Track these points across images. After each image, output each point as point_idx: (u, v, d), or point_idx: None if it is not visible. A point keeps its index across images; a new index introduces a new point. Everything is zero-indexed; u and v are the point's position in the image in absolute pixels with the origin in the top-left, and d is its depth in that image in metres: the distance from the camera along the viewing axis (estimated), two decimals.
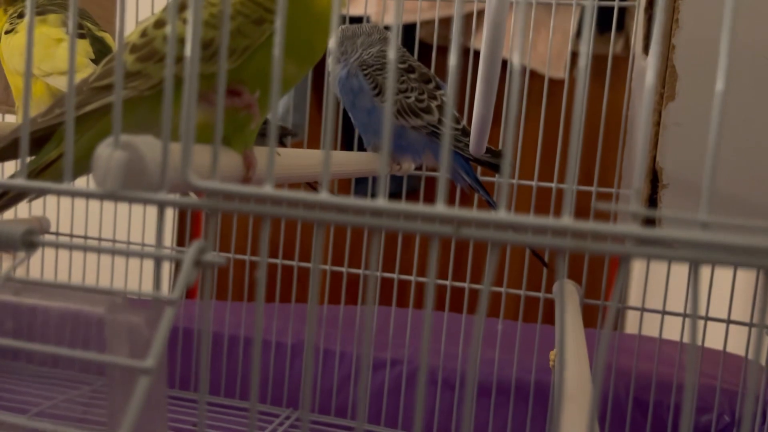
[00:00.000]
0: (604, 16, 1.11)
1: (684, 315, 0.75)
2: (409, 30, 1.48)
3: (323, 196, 0.26)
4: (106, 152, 0.28)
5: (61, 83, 0.54)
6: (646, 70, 0.68)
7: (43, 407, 0.63)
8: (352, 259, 0.87)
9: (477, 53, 0.73)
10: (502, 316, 0.82)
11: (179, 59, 0.34)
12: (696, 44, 0.57)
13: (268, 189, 0.26)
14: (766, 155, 0.55)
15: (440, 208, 0.25)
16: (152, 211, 0.91)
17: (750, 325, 0.74)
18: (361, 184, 1.34)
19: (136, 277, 0.92)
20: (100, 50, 0.57)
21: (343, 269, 0.86)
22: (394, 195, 1.48)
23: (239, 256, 0.89)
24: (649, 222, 0.52)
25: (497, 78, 0.43)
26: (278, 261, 0.87)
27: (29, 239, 0.28)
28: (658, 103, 0.59)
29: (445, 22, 1.57)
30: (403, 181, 0.87)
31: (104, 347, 0.27)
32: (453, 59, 0.27)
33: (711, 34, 0.59)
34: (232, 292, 0.92)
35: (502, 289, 0.82)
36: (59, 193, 0.29)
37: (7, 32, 0.59)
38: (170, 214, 1.55)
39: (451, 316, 0.84)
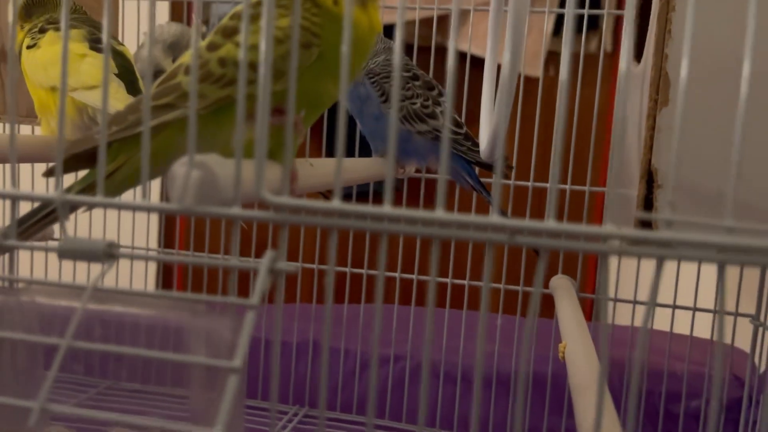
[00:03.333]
0: (577, 16, 1.15)
1: (673, 306, 0.79)
2: (390, 31, 1.52)
3: (386, 209, 0.29)
4: (182, 171, 0.30)
5: (87, 98, 0.56)
6: (637, 77, 0.72)
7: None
8: (355, 258, 0.90)
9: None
10: (501, 311, 0.86)
11: (232, 81, 0.37)
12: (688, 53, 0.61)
13: (336, 203, 0.29)
14: (753, 155, 0.59)
15: (494, 218, 0.28)
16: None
17: (735, 314, 0.78)
18: (363, 185, 1.37)
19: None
20: (122, 65, 0.59)
21: (347, 269, 0.89)
22: (378, 193, 1.51)
23: (245, 259, 0.92)
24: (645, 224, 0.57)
25: (513, 91, 0.46)
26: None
27: (110, 251, 0.31)
28: (652, 108, 0.62)
29: (425, 22, 1.61)
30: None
31: (187, 353, 0.30)
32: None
33: (701, 44, 0.63)
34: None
35: (501, 285, 0.85)
36: (137, 208, 0.31)
37: (28, 47, 0.60)
38: (155, 218, 1.56)
39: (451, 312, 0.87)
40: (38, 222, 0.37)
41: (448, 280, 0.87)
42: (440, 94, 0.73)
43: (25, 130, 0.80)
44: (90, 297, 0.30)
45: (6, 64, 0.78)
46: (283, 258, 0.30)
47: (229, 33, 0.38)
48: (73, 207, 0.36)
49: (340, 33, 0.37)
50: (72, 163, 0.40)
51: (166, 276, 1.64)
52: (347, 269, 0.89)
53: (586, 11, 0.81)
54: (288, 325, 0.92)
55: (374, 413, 0.87)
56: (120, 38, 0.85)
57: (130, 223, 0.91)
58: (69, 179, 0.44)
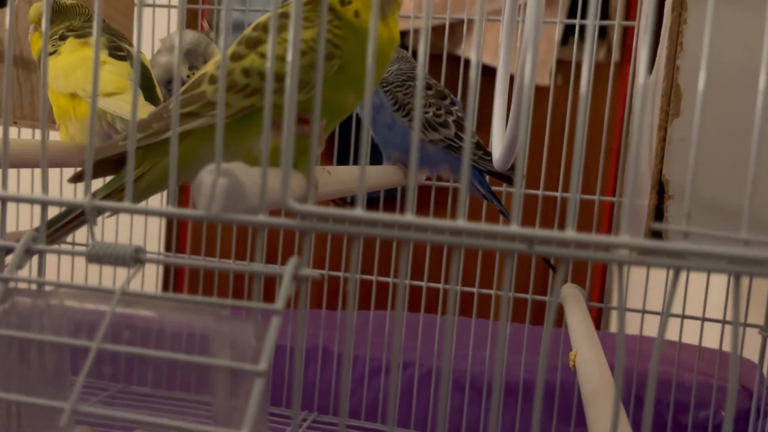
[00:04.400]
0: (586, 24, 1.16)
1: (682, 316, 0.80)
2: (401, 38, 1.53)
3: (409, 217, 0.30)
4: (209, 179, 0.31)
5: (106, 105, 0.57)
6: (648, 88, 0.73)
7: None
8: (364, 265, 0.90)
9: (468, 62, 0.76)
10: (509, 320, 0.86)
11: (256, 91, 0.38)
12: (698, 65, 0.61)
13: (359, 211, 0.30)
14: (764, 166, 0.60)
15: (515, 228, 0.29)
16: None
17: (744, 325, 0.78)
18: (373, 192, 1.38)
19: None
20: (140, 72, 0.60)
21: (356, 276, 0.90)
22: (388, 200, 1.52)
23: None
24: (656, 234, 0.57)
25: (530, 105, 0.47)
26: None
27: (138, 256, 0.32)
28: (663, 120, 0.63)
29: (436, 30, 1.63)
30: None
31: (208, 356, 0.31)
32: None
33: (712, 56, 0.64)
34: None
35: (510, 294, 0.86)
36: (164, 215, 0.32)
37: (49, 54, 0.61)
38: (162, 222, 1.58)
39: (460, 320, 0.88)
40: (64, 226, 0.38)
41: (457, 287, 0.87)
42: (452, 103, 0.74)
43: (39, 134, 0.81)
44: (118, 301, 0.31)
45: (23, 71, 0.79)
46: (306, 264, 0.30)
47: (253, 44, 0.39)
48: (100, 212, 0.37)
49: (360, 44, 0.37)
50: (95, 170, 0.41)
51: (172, 280, 1.65)
52: (357, 276, 0.90)
53: (597, 21, 0.82)
54: (297, 332, 0.92)
55: (394, 421, 0.88)
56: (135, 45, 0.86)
57: (138, 226, 0.92)
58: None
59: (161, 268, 1.50)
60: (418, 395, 0.88)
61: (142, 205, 0.34)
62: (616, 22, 0.82)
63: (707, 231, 0.34)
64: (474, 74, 0.30)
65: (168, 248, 1.66)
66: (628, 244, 0.28)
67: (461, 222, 0.29)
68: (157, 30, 0.90)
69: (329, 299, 0.94)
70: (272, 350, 0.29)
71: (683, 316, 0.79)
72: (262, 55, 0.38)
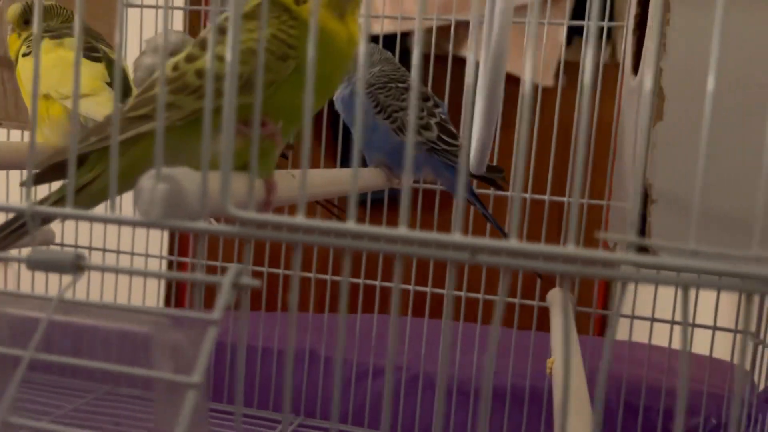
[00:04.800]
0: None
1: (672, 322, 0.78)
2: (391, 40, 1.53)
3: (350, 225, 0.29)
4: (149, 184, 0.30)
5: (79, 106, 0.56)
6: (635, 89, 0.72)
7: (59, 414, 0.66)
8: (355, 269, 0.90)
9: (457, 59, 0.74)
10: (484, 323, 0.85)
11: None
12: (682, 68, 0.60)
13: (300, 219, 0.29)
14: (747, 173, 0.58)
15: (457, 237, 0.28)
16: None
17: (735, 331, 0.77)
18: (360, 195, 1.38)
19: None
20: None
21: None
22: (375, 202, 1.51)
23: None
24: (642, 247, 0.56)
25: (499, 103, 0.46)
26: (280, 271, 0.90)
27: (78, 263, 0.31)
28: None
29: (438, 31, 1.62)
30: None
31: (150, 364, 0.30)
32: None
33: (695, 59, 0.63)
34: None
35: (498, 298, 0.85)
36: (106, 221, 0.31)
37: (24, 55, 0.61)
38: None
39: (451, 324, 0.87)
40: (12, 233, 0.37)
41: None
42: (436, 105, 0.73)
43: (27, 136, 0.81)
44: (57, 308, 0.30)
45: (9, 72, 0.79)
46: (248, 273, 0.30)
47: (207, 45, 0.38)
48: (47, 218, 0.36)
49: (318, 45, 0.36)
50: (53, 173, 0.40)
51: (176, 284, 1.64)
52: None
53: (592, 23, 0.81)
54: (284, 334, 0.92)
55: (389, 424, 0.87)
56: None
57: (139, 230, 0.92)
58: (56, 187, 0.44)
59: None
60: (405, 399, 0.87)
61: (90, 211, 0.34)
62: (607, 23, 0.81)
63: (665, 243, 0.33)
64: (415, 73, 0.29)
65: (171, 251, 1.65)
66: (574, 256, 0.27)
67: (403, 230, 0.28)
68: (145, 31, 0.90)
69: (317, 303, 0.93)
70: (208, 360, 0.28)
71: (672, 322, 0.78)
72: (218, 58, 0.37)
